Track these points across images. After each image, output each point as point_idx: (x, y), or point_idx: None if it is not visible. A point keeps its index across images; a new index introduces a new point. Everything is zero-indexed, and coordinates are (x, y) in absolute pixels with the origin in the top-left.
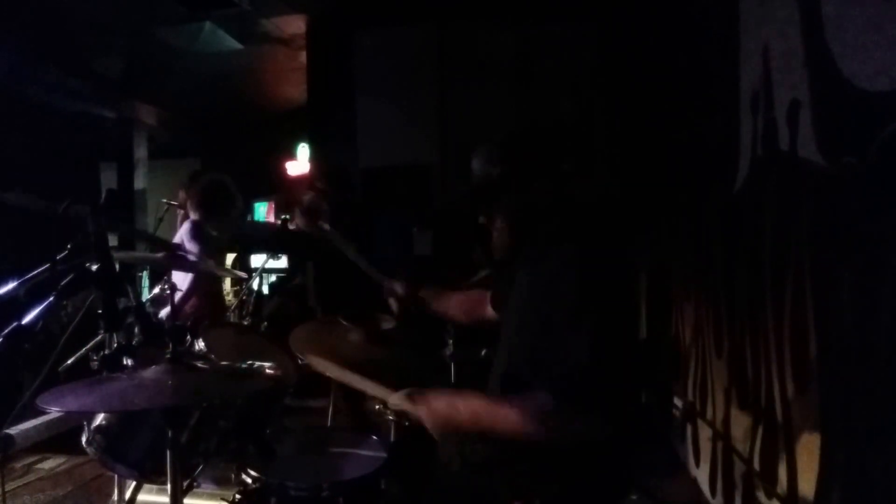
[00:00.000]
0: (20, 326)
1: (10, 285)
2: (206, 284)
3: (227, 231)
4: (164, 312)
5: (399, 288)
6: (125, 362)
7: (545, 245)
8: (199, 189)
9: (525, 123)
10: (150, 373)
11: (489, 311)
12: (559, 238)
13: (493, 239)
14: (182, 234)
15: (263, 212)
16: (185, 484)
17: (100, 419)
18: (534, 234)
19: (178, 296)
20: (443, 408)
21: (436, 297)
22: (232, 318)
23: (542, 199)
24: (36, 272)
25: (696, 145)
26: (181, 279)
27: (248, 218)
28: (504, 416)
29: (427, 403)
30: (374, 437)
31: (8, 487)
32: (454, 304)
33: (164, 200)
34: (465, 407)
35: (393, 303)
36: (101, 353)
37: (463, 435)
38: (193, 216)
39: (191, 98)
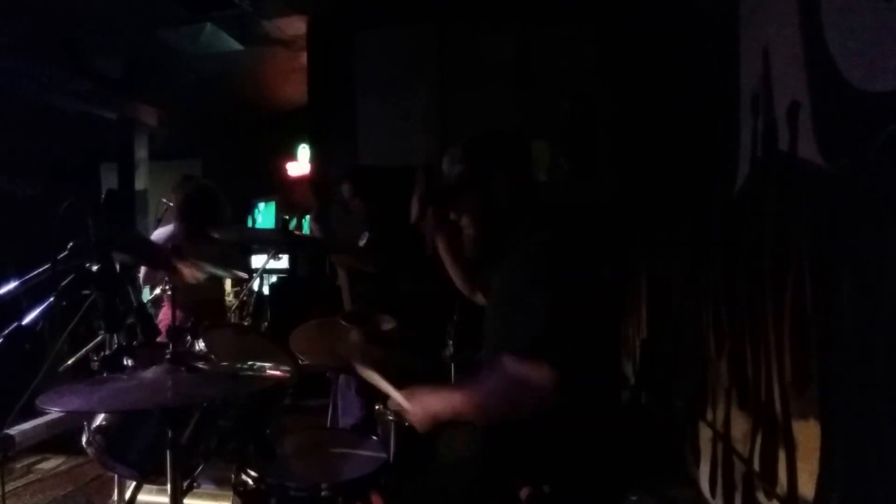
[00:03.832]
0: (20, 326)
1: (11, 285)
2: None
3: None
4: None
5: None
6: (125, 363)
7: (520, 237)
8: (182, 195)
9: (525, 124)
10: (150, 373)
11: (480, 298)
12: (533, 229)
13: (464, 237)
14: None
15: (263, 211)
16: (185, 484)
17: (100, 419)
18: (501, 228)
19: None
20: (434, 408)
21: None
22: (232, 318)
23: (499, 192)
24: (36, 272)
25: (697, 146)
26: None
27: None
28: (480, 397)
29: (421, 405)
30: (374, 437)
31: (8, 488)
32: (463, 267)
33: (164, 200)
34: (451, 403)
35: (415, 204)
36: (102, 354)
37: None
38: (174, 227)
39: (191, 99)
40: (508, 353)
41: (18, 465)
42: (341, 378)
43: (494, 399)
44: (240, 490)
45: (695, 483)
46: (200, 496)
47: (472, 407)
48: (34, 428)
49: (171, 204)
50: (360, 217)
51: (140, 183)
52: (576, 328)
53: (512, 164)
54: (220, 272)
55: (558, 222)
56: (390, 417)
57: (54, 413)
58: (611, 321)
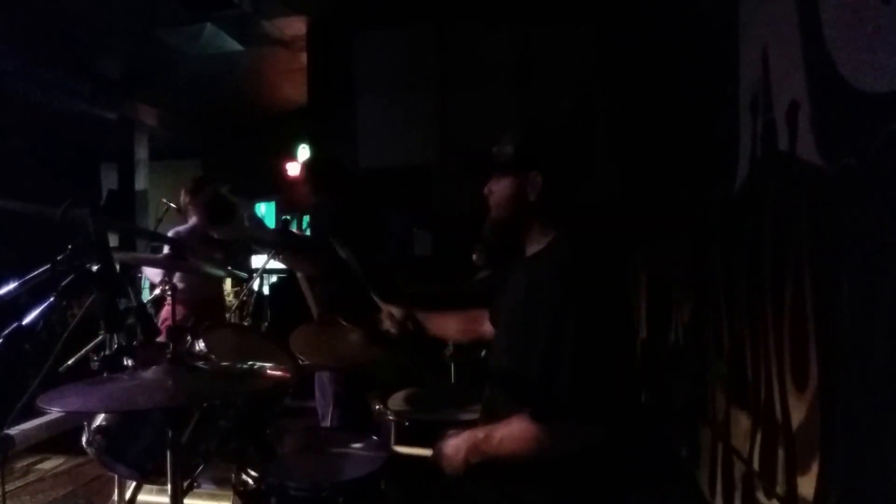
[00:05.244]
0: (20, 326)
1: (11, 285)
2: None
3: (231, 236)
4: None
5: (396, 312)
6: (125, 363)
7: (537, 248)
8: (203, 203)
9: (523, 123)
10: (151, 373)
11: (487, 328)
12: (552, 245)
13: (488, 219)
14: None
15: (262, 212)
16: (185, 484)
17: (100, 419)
18: (521, 222)
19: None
20: (458, 455)
21: (431, 319)
22: (232, 318)
23: (532, 188)
24: (36, 272)
25: (696, 146)
26: (153, 274)
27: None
28: (510, 440)
29: (447, 457)
30: (374, 437)
31: (8, 488)
32: (451, 324)
33: (165, 200)
34: (475, 448)
35: (390, 325)
36: (102, 354)
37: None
38: (195, 223)
39: (191, 99)
40: (528, 414)
41: (18, 465)
42: (316, 390)
43: (508, 447)
44: (240, 490)
45: (695, 483)
46: (200, 496)
47: (490, 451)
48: (34, 428)
49: (173, 204)
50: (310, 212)
51: (140, 183)
52: (604, 364)
53: (556, 166)
54: (218, 272)
55: (578, 234)
56: (390, 417)
57: (54, 413)
58: (632, 339)
